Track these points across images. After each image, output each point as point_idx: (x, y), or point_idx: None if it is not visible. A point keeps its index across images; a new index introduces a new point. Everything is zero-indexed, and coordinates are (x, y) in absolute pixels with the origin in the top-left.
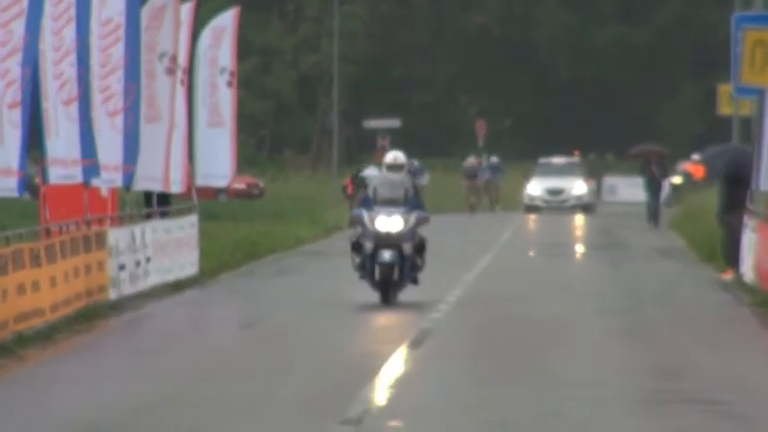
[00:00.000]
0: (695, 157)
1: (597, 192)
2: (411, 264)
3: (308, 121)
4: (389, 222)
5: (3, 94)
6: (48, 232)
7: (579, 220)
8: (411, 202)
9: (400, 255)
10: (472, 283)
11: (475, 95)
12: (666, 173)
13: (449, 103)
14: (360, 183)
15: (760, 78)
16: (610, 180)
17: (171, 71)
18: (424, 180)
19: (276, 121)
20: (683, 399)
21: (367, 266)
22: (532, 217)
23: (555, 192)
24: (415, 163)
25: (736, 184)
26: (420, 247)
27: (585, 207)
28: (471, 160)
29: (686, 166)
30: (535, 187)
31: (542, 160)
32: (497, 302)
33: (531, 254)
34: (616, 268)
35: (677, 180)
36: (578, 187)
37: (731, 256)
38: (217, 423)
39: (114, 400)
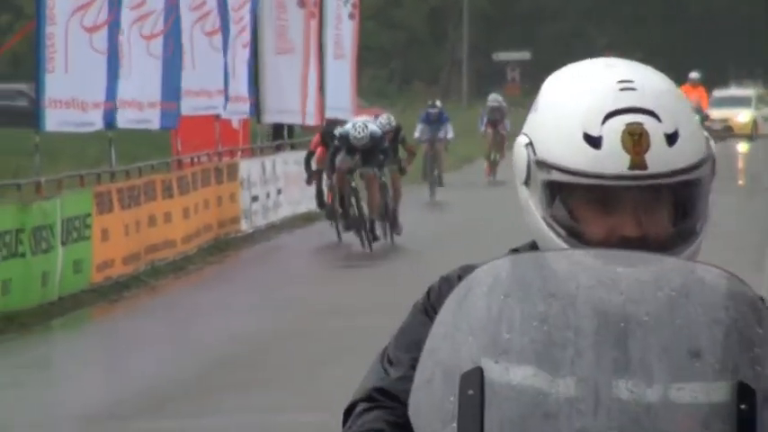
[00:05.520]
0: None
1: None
2: None
3: (437, 53)
4: None
5: (141, 27)
6: (179, 164)
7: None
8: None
9: None
10: None
11: (604, 28)
12: None
13: (578, 36)
14: (338, 148)
15: None
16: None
17: (303, 3)
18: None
19: (406, 54)
20: None
21: None
22: None
23: None
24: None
25: None
26: None
27: None
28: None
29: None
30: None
31: (719, 93)
32: None
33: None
34: None
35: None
36: None
37: None
38: (343, 356)
39: (244, 331)
